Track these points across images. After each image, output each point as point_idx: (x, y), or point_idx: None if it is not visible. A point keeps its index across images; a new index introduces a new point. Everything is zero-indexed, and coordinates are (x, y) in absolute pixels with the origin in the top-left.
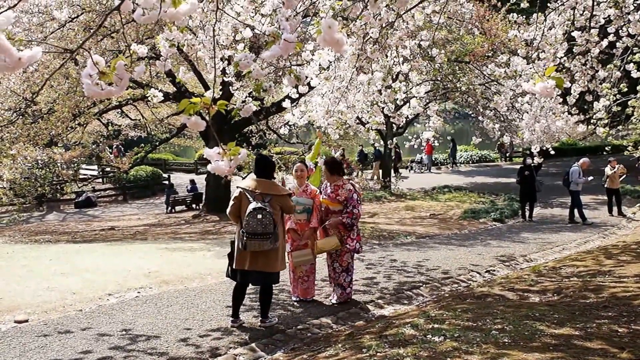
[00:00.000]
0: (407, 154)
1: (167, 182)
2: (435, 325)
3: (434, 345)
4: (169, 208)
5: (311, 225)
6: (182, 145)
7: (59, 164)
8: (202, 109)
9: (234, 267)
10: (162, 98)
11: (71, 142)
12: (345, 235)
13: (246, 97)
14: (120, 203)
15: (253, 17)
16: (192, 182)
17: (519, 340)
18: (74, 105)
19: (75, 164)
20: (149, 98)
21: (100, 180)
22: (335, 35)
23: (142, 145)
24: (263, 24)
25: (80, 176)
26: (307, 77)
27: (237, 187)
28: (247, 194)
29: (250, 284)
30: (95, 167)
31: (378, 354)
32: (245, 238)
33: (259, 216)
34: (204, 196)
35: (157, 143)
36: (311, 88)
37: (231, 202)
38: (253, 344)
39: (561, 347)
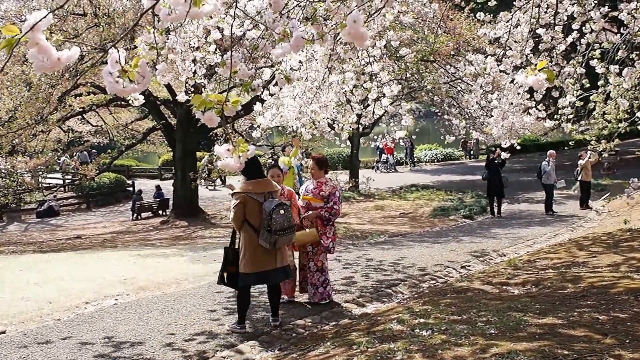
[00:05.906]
0: (371, 154)
1: (131, 188)
2: (422, 320)
3: (424, 339)
4: (135, 215)
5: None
6: (145, 150)
7: (23, 173)
8: (216, 105)
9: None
10: (144, 101)
11: (33, 150)
12: (321, 232)
13: None
14: (84, 211)
15: (224, 18)
16: (158, 187)
17: (505, 331)
18: (36, 112)
19: (41, 172)
20: (130, 101)
21: (62, 188)
22: (360, 29)
23: (109, 151)
24: (233, 26)
25: (45, 185)
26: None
27: (236, 192)
28: (252, 197)
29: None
30: (59, 175)
31: (369, 349)
32: (276, 236)
33: (282, 211)
34: (171, 202)
35: (124, 149)
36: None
37: (235, 208)
38: (239, 346)
39: (547, 336)
